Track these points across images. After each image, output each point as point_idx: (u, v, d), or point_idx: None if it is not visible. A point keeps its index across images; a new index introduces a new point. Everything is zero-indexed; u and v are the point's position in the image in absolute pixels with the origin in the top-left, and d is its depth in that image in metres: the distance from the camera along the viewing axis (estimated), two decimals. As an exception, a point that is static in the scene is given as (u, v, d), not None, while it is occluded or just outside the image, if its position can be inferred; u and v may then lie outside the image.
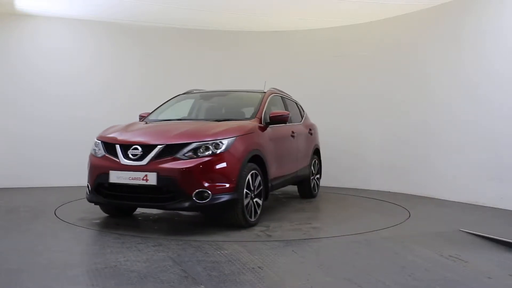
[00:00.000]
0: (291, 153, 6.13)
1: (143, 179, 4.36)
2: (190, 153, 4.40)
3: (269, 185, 5.16)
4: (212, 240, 4.29)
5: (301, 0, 7.32)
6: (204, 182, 4.31)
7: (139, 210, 5.84)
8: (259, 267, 3.49)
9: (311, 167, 6.94)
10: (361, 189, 8.09)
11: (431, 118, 7.27)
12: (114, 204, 4.86)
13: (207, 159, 4.37)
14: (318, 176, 7.35)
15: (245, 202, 4.63)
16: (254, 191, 4.81)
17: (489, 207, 6.30)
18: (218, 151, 4.43)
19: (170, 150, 4.42)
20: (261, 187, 4.96)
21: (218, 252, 3.87)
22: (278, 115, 5.43)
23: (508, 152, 6.17)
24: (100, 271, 3.34)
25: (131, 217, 5.53)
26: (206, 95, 6.41)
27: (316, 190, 7.26)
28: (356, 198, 7.15)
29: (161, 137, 4.59)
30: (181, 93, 6.52)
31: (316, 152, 7.26)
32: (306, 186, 6.95)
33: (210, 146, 4.44)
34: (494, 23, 6.43)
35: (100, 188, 4.69)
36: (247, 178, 4.64)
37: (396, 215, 5.76)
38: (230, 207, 4.54)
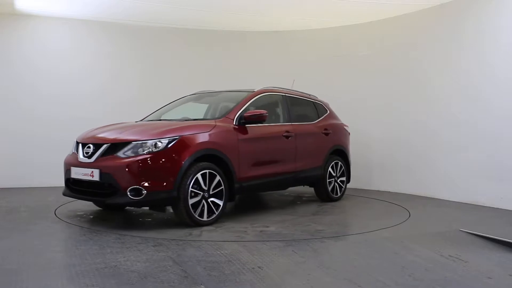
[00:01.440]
0: (284, 153, 5.95)
1: (90, 175, 4.76)
2: (129, 152, 4.66)
3: (237, 186, 5.18)
4: (212, 240, 4.29)
5: (301, 0, 7.32)
6: (139, 179, 4.53)
7: (140, 210, 5.85)
8: (259, 267, 3.49)
9: (325, 168, 6.59)
10: (361, 189, 8.09)
11: (431, 118, 7.28)
12: (76, 198, 5.20)
13: (143, 157, 4.58)
14: (342, 178, 6.92)
15: (192, 201, 4.72)
16: (208, 191, 4.86)
17: (489, 207, 6.30)
18: (156, 150, 4.61)
19: (114, 149, 4.75)
20: (221, 187, 4.97)
21: (218, 252, 3.87)
22: (252, 114, 5.37)
23: (508, 152, 6.17)
24: (100, 271, 3.34)
25: (131, 217, 5.52)
26: (200, 96, 6.49)
27: (338, 193, 6.84)
28: (356, 198, 7.15)
29: (110, 137, 4.96)
30: (190, 94, 6.62)
31: (338, 153, 6.90)
32: (322, 188, 6.63)
33: (149, 145, 4.64)
34: (494, 23, 6.43)
35: (68, 183, 5.19)
36: (195, 178, 4.72)
37: (396, 215, 5.76)
38: (170, 205, 4.76)
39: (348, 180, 7.11)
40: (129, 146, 4.70)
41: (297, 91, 6.70)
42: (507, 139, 6.17)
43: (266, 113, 5.44)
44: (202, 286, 3.07)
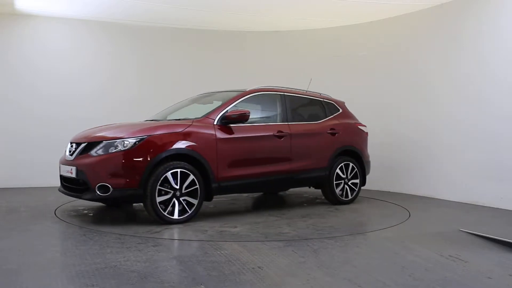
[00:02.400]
0: (275, 153, 5.83)
1: (70, 172, 5.09)
2: (100, 150, 4.91)
3: (215, 186, 5.21)
4: (212, 240, 4.30)
5: (301, 0, 7.32)
6: (105, 176, 4.77)
7: (139, 210, 5.85)
8: (259, 267, 3.49)
9: (331, 169, 6.32)
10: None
11: (431, 118, 7.27)
12: (65, 194, 5.37)
13: (111, 155, 4.81)
14: (354, 181, 6.59)
15: (160, 199, 4.83)
16: (180, 189, 4.93)
17: (489, 207, 6.30)
18: (124, 149, 4.81)
19: (90, 147, 5.01)
20: (196, 186, 5.03)
21: (218, 252, 3.87)
22: (232, 114, 5.39)
23: (508, 152, 6.17)
24: (100, 271, 3.34)
25: (131, 217, 5.52)
26: (198, 97, 6.49)
27: (349, 196, 6.53)
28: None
29: (89, 136, 5.22)
30: (202, 93, 6.63)
31: (350, 154, 6.60)
32: (328, 190, 6.40)
33: (118, 144, 4.84)
34: (494, 23, 6.43)
35: (60, 179, 5.47)
36: (164, 176, 4.83)
37: (396, 215, 5.76)
38: (137, 202, 5.05)
39: (363, 183, 6.76)
40: (101, 145, 4.93)
41: (300, 90, 6.56)
42: (507, 139, 6.17)
43: (248, 112, 5.39)
44: (202, 286, 3.07)
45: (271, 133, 5.81)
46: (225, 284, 3.12)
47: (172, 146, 4.96)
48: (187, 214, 5.01)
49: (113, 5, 7.50)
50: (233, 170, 5.39)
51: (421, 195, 7.34)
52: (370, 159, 7.12)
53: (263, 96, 6.10)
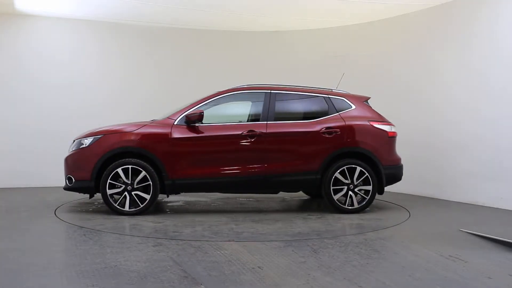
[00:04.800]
0: (243, 154, 5.68)
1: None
2: (73, 147, 5.71)
3: (169, 183, 5.51)
4: (212, 240, 4.30)
5: (301, 0, 7.32)
6: (70, 170, 5.64)
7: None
8: (259, 267, 3.49)
9: (324, 173, 5.75)
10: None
11: (431, 118, 7.27)
12: None
13: (75, 152, 5.64)
14: (365, 187, 5.80)
15: (110, 192, 5.42)
16: (132, 184, 5.42)
17: (489, 207, 6.30)
18: (83, 146, 5.58)
19: (75, 144, 5.75)
20: (148, 182, 5.42)
21: (218, 252, 3.88)
22: (190, 114, 5.61)
23: (508, 152, 6.17)
24: (100, 271, 3.34)
25: (131, 217, 5.52)
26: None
27: (355, 205, 5.78)
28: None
29: (80, 134, 5.85)
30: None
31: (359, 157, 5.86)
32: (325, 197, 5.82)
33: (83, 142, 5.61)
34: (494, 23, 6.43)
35: None
36: (114, 171, 5.40)
37: (396, 215, 5.76)
38: (91, 193, 5.62)
39: (379, 191, 5.92)
40: (75, 142, 5.74)
41: (299, 87, 6.20)
42: (507, 139, 6.17)
43: (201, 112, 5.58)
44: (202, 286, 3.07)
45: (239, 133, 5.68)
46: (225, 284, 3.12)
47: (121, 144, 5.51)
48: (139, 208, 5.46)
49: (114, 5, 7.49)
50: (191, 169, 5.58)
51: (421, 195, 7.34)
52: (402, 163, 6.17)
53: (244, 95, 6.03)
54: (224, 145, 5.73)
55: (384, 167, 5.90)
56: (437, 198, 7.05)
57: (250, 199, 6.95)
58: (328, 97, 6.12)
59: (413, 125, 7.56)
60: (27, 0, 7.27)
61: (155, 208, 5.91)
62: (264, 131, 5.72)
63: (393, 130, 6.15)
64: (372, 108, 6.25)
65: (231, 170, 5.66)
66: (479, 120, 6.56)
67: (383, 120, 6.15)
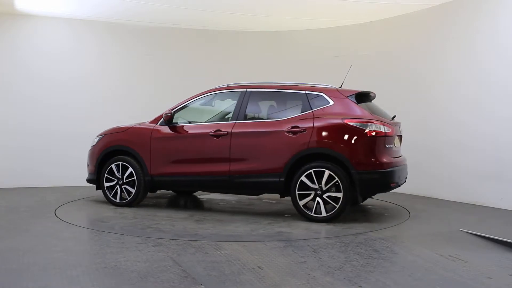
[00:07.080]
0: (210, 153, 5.66)
1: None
2: (91, 144, 6.44)
3: (148, 179, 5.89)
4: (212, 240, 4.30)
5: (301, 0, 7.32)
6: (88, 164, 6.41)
7: (141, 210, 5.85)
8: (259, 267, 3.49)
9: (288, 175, 5.29)
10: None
11: (431, 118, 7.27)
12: None
13: (90, 149, 6.39)
14: (336, 194, 5.10)
15: (107, 185, 6.04)
16: (122, 179, 5.97)
17: (489, 207, 6.30)
18: (93, 144, 6.33)
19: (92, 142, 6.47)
20: (134, 177, 5.92)
21: (218, 252, 3.88)
22: (164, 114, 5.96)
23: (508, 152, 6.17)
24: (100, 271, 3.34)
25: (131, 216, 5.52)
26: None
27: (323, 213, 5.13)
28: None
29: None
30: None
31: (327, 158, 5.20)
32: (292, 200, 5.34)
33: (95, 140, 6.36)
34: (493, 23, 6.42)
35: None
36: (109, 167, 6.02)
37: (396, 215, 5.77)
38: (95, 184, 6.20)
39: (353, 200, 5.21)
40: (93, 140, 6.42)
41: (280, 84, 5.83)
42: (507, 139, 6.17)
43: (170, 113, 5.91)
44: (202, 286, 3.07)
45: (207, 133, 5.68)
46: (225, 284, 3.12)
47: (114, 143, 6.13)
48: (127, 200, 5.98)
49: (114, 5, 7.48)
50: (165, 167, 5.87)
51: (421, 195, 7.34)
52: (393, 168, 5.25)
53: (224, 95, 6.07)
54: (193, 144, 5.84)
55: (358, 171, 5.06)
56: (437, 198, 7.05)
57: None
58: (305, 93, 5.56)
59: (413, 124, 7.55)
60: (27, 0, 7.27)
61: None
62: (230, 130, 5.58)
63: (375, 129, 5.20)
64: (356, 103, 5.48)
65: (199, 169, 5.74)
66: (479, 120, 6.55)
67: (362, 118, 5.28)
